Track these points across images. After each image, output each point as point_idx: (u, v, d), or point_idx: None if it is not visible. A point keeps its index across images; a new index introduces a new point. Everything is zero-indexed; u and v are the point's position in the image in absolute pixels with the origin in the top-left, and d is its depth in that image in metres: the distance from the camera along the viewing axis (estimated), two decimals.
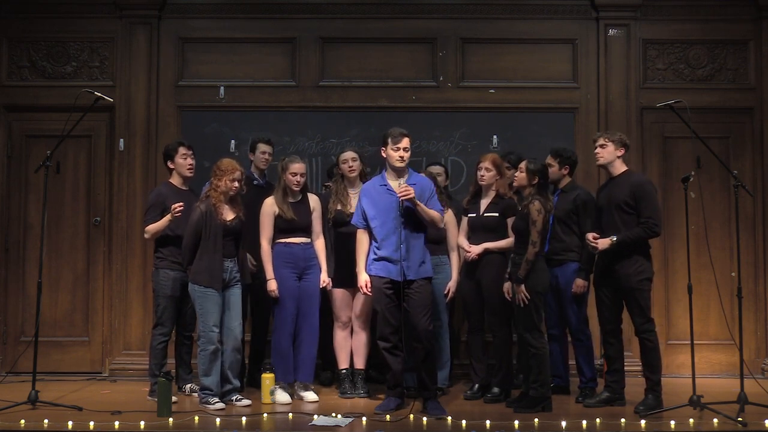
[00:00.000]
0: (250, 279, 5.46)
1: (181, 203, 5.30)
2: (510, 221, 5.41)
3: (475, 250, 5.45)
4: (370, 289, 5.06)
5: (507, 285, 5.27)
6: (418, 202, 4.97)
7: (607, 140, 5.22)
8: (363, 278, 5.10)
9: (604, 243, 5.05)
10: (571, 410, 5.09)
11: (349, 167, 5.69)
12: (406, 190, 4.92)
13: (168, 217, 5.35)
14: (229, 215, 5.29)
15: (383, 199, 5.07)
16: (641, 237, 5.05)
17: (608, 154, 5.22)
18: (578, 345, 5.54)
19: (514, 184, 5.24)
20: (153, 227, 5.44)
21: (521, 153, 5.79)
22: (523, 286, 4.98)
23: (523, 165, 5.16)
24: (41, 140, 6.50)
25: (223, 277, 5.21)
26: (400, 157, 5.03)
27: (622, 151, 5.23)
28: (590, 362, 5.53)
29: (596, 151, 5.27)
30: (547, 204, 5.05)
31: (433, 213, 5.03)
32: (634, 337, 5.18)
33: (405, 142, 5.04)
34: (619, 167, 5.23)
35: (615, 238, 5.02)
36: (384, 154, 5.12)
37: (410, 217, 4.99)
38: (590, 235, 5.13)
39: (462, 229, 5.64)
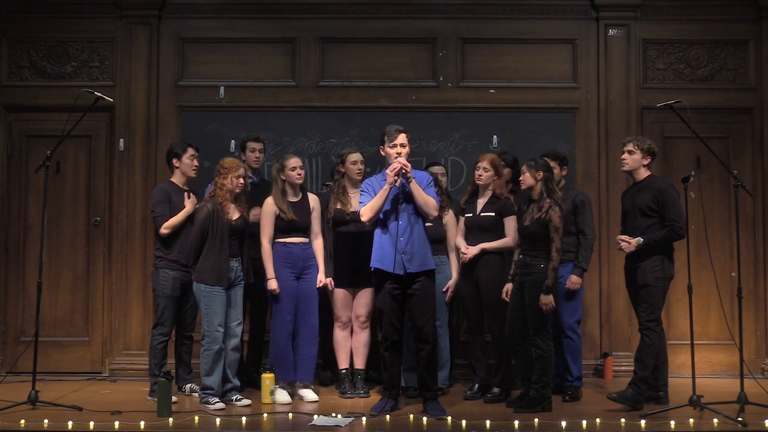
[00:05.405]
0: (253, 278, 5.46)
1: (189, 195, 5.49)
2: (507, 221, 5.42)
3: (472, 251, 5.44)
4: None
5: (508, 286, 5.27)
6: (413, 179, 4.93)
7: (636, 147, 5.22)
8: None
9: (631, 245, 5.13)
10: (571, 410, 5.09)
11: (358, 169, 5.69)
12: (402, 164, 4.89)
13: (187, 209, 5.44)
14: (234, 214, 5.29)
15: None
16: (666, 239, 5.13)
17: (634, 162, 5.24)
18: (567, 343, 5.58)
19: (522, 188, 5.24)
20: (173, 221, 5.46)
21: (516, 153, 5.83)
22: (551, 295, 5.01)
23: (524, 167, 5.18)
24: (41, 140, 6.49)
25: (229, 277, 5.22)
26: (397, 153, 5.00)
27: (648, 160, 5.25)
28: (578, 361, 5.57)
29: (623, 156, 5.28)
30: (561, 207, 5.09)
31: (427, 196, 4.98)
32: (636, 333, 5.22)
33: (401, 139, 5.01)
34: (643, 173, 5.27)
35: (642, 240, 5.09)
36: (383, 153, 5.10)
37: (409, 206, 4.98)
38: (622, 237, 5.22)
39: (459, 229, 5.64)
